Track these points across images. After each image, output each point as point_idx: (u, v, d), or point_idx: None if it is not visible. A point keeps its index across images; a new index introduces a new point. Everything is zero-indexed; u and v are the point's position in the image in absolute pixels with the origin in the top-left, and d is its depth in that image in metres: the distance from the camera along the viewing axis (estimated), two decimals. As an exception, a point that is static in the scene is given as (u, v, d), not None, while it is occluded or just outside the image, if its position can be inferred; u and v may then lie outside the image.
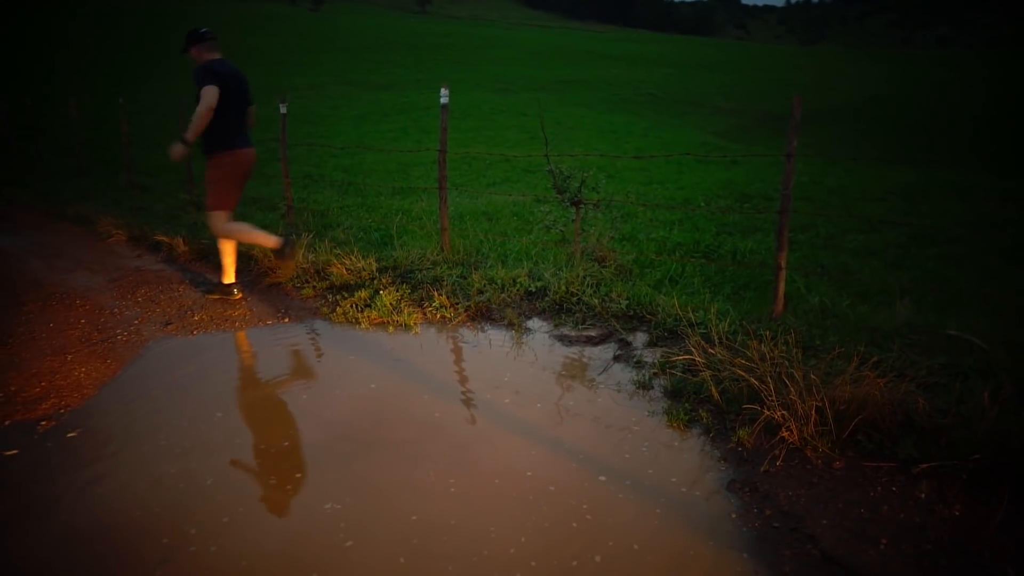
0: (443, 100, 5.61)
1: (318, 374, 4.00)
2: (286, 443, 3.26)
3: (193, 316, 4.94)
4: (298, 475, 3.01)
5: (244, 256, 5.92)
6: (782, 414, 2.96)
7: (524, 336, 4.32)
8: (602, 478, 2.87)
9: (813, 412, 2.91)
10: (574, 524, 2.61)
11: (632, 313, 4.30)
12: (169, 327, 4.76)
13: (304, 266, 5.57)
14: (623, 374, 3.73)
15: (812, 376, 2.96)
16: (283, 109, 6.90)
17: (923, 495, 2.59)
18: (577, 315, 4.42)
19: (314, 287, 5.32)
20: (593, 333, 4.20)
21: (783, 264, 4.05)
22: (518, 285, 4.82)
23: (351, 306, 4.82)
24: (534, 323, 4.49)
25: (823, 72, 29.49)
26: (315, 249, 5.90)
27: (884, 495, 2.61)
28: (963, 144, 14.03)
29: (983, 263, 5.70)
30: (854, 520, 2.52)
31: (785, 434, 2.93)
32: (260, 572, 2.45)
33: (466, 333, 4.45)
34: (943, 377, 3.24)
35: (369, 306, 4.77)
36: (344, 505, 2.78)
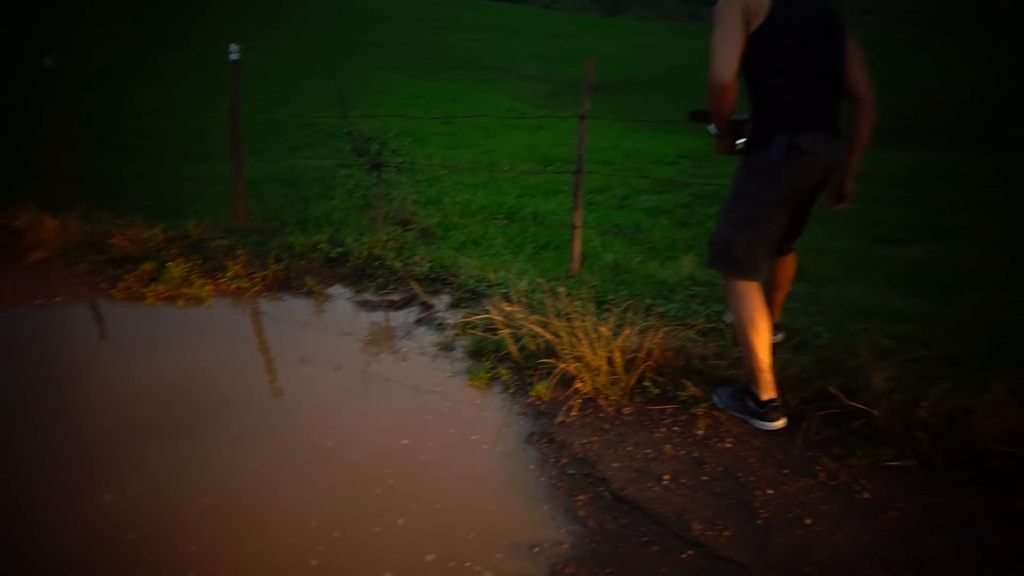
0: (233, 56, 5.27)
1: (98, 355, 3.66)
2: (60, 432, 2.96)
3: (-63, 299, 4.34)
4: (72, 466, 2.74)
5: (4, 229, 5.27)
6: (576, 366, 3.08)
7: (325, 303, 4.19)
8: (404, 441, 2.86)
9: (604, 363, 3.06)
10: (377, 491, 2.58)
11: (435, 276, 4.30)
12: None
13: (79, 238, 5.06)
14: (426, 337, 3.73)
15: (603, 329, 3.10)
16: (49, 61, 6.17)
17: (700, 432, 2.81)
18: (379, 280, 4.35)
19: (91, 261, 4.85)
20: (396, 297, 4.16)
21: (579, 223, 4.20)
22: (318, 251, 4.66)
23: (135, 280, 4.44)
24: (335, 290, 4.37)
25: (626, 42, 30.86)
26: (93, 220, 5.37)
27: (667, 435, 2.80)
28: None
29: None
30: (640, 461, 2.68)
31: (579, 385, 3.06)
32: (23, 576, 2.21)
33: (263, 303, 4.24)
34: (719, 323, 3.51)
35: (156, 279, 4.42)
36: (124, 494, 2.57)
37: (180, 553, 2.29)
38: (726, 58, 2.46)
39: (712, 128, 2.70)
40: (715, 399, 2.90)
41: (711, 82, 2.48)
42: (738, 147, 2.70)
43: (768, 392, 2.73)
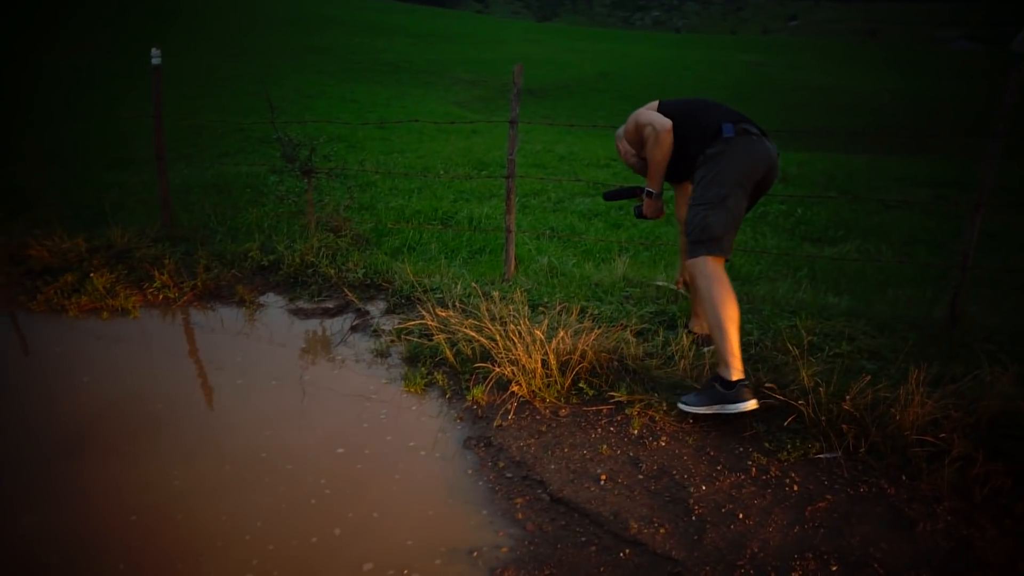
0: (155, 61, 5.13)
1: (15, 371, 3.50)
2: (-30, 454, 2.82)
3: None
4: (-14, 489, 2.61)
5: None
6: (511, 370, 3.09)
7: (257, 312, 4.11)
8: (340, 450, 2.82)
9: (539, 365, 3.07)
10: (313, 501, 2.54)
11: (369, 282, 4.25)
12: None
13: (-9, 251, 4.83)
14: (361, 344, 3.69)
15: (537, 332, 3.12)
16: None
17: (636, 432, 2.84)
18: (313, 287, 4.28)
19: (8, 273, 4.64)
20: (330, 305, 4.10)
21: (512, 227, 4.21)
22: (250, 259, 4.56)
23: (55, 292, 4.27)
24: (268, 298, 4.28)
25: (558, 47, 31.08)
26: (7, 231, 5.14)
27: (603, 436, 2.83)
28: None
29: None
30: (578, 462, 2.70)
31: (515, 388, 3.07)
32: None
33: (193, 313, 4.13)
34: (652, 324, 3.57)
35: (78, 291, 4.26)
36: (45, 515, 2.46)
37: (107, 571, 2.21)
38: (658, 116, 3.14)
39: (646, 192, 3.34)
40: (683, 408, 2.85)
41: (659, 133, 3.08)
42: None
43: (738, 372, 2.76)
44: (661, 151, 3.10)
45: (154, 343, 3.77)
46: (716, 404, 2.77)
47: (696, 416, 2.84)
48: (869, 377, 2.78)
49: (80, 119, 10.76)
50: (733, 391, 2.75)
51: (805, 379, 2.81)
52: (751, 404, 2.75)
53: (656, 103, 3.27)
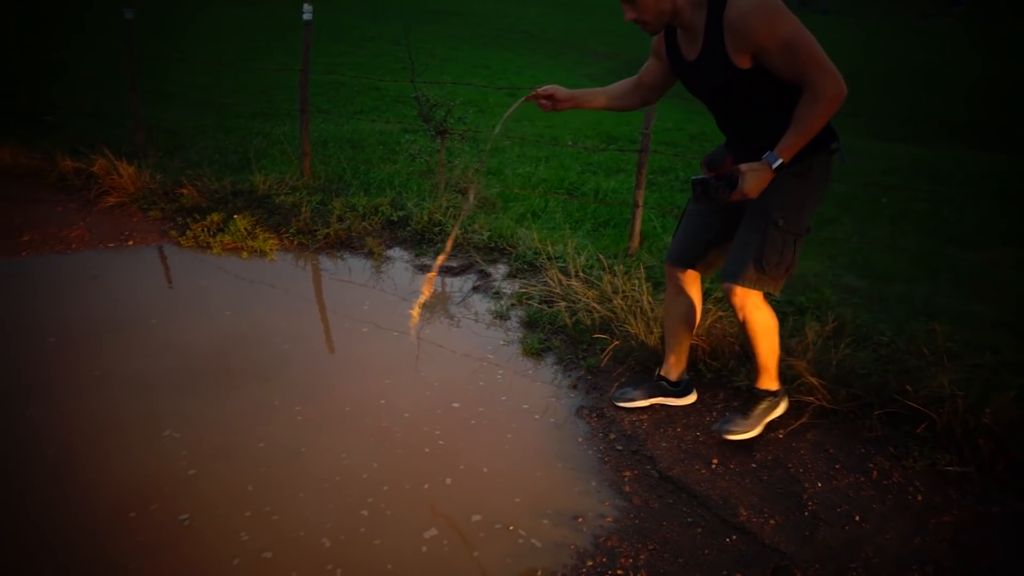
0: (306, 16, 5.32)
1: (166, 300, 3.78)
2: (127, 371, 3.08)
3: (22, 236, 4.52)
4: (137, 403, 2.85)
5: (81, 173, 5.45)
6: (630, 344, 3.07)
7: (384, 265, 4.25)
8: (456, 405, 2.90)
9: (658, 343, 3.04)
10: (427, 449, 2.63)
11: (493, 245, 4.32)
12: (-8, 245, 4.36)
13: (152, 186, 5.20)
14: (481, 304, 3.76)
15: (659, 309, 3.08)
16: (129, 14, 6.31)
17: (752, 420, 2.78)
18: (438, 245, 4.38)
19: (162, 209, 4.99)
20: (454, 264, 4.19)
21: (640, 202, 4.16)
22: (380, 214, 4.71)
23: (202, 230, 4.56)
24: (395, 252, 4.42)
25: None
26: (165, 169, 5.52)
27: (719, 420, 2.78)
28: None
29: (820, 211, 6.10)
30: (690, 442, 2.68)
31: (632, 362, 3.05)
32: (96, 503, 2.32)
33: (324, 260, 4.32)
34: (779, 312, 3.45)
35: (222, 230, 4.54)
36: (184, 433, 2.67)
37: (237, 492, 2.37)
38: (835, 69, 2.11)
39: (771, 159, 2.23)
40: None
41: (838, 93, 2.10)
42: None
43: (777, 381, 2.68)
44: (827, 116, 2.16)
45: (287, 285, 3.96)
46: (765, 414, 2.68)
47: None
48: (1014, 393, 2.60)
49: (232, 70, 11.34)
50: (780, 395, 2.72)
51: (941, 387, 2.65)
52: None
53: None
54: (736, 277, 2.41)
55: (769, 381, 2.65)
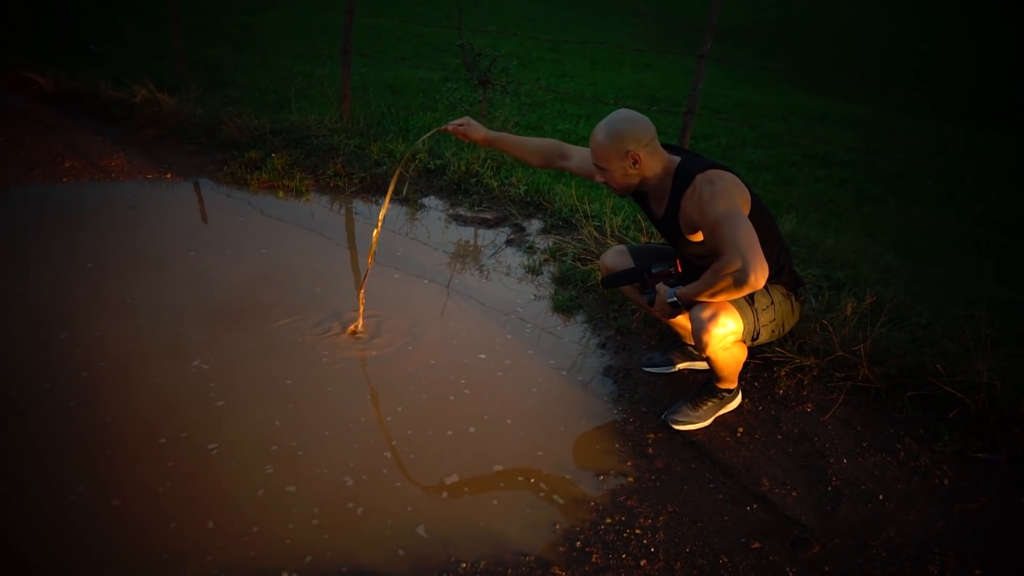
0: (354, -44, 5.24)
1: (202, 233, 3.81)
2: (160, 300, 3.12)
3: (63, 163, 4.57)
4: (168, 333, 2.89)
5: (122, 103, 5.47)
6: (662, 308, 3.03)
7: (418, 213, 4.23)
8: (482, 356, 2.90)
9: (691, 308, 3.00)
10: (451, 398, 2.64)
11: (529, 199, 4.27)
12: (35, 172, 4.40)
13: (192, 120, 5.21)
14: (514, 258, 3.74)
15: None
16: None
17: (781, 392, 2.75)
18: (474, 196, 4.35)
19: (201, 143, 5.01)
20: (489, 216, 4.16)
21: (682, 166, 4.08)
22: (417, 161, 4.68)
23: (240, 166, 4.58)
24: (430, 200, 4.40)
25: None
26: (205, 104, 5.52)
27: (746, 390, 2.75)
28: (859, 73, 14.45)
29: (865, 188, 5.97)
30: (715, 410, 2.65)
31: (662, 326, 3.02)
32: (127, 426, 2.37)
33: (359, 204, 4.31)
34: (814, 286, 3.40)
35: (259, 168, 4.55)
36: (212, 365, 2.71)
37: (264, 426, 2.41)
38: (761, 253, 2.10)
39: (670, 294, 2.36)
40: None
41: (757, 279, 2.06)
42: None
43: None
44: (727, 289, 2.15)
45: (322, 227, 3.96)
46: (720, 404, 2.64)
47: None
48: (1053, 384, 2.53)
49: (275, 8, 11.27)
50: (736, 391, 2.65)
51: (980, 373, 2.59)
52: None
53: (745, 194, 2.27)
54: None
55: (728, 385, 2.58)
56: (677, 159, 2.34)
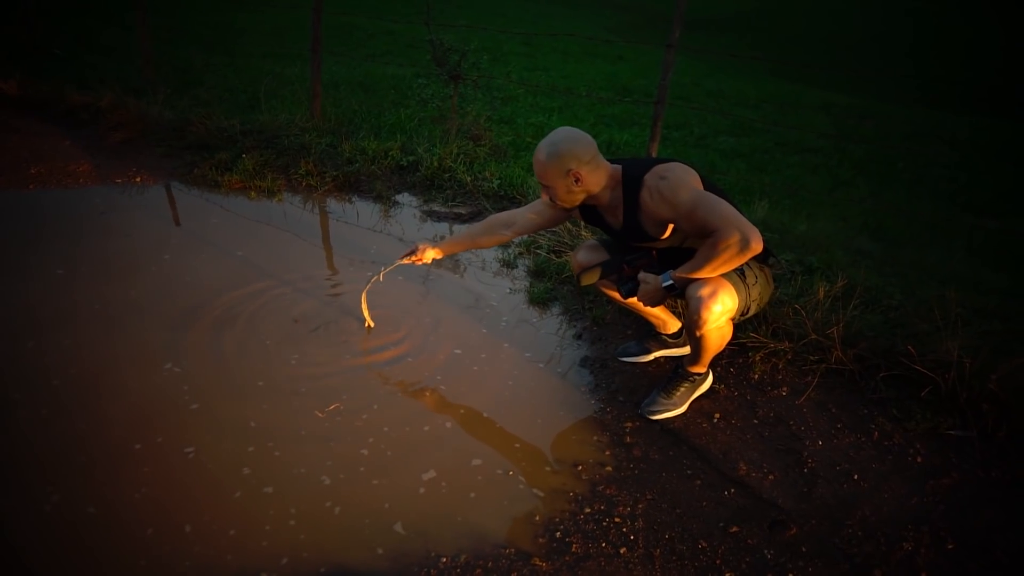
0: (319, -47, 5.20)
1: (173, 237, 3.76)
2: (132, 306, 3.09)
3: (29, 169, 4.50)
4: (140, 338, 2.86)
5: (89, 107, 5.39)
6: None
7: (392, 209, 4.22)
8: (458, 351, 2.90)
9: (666, 296, 3.01)
10: (428, 393, 2.64)
11: (503, 193, 4.27)
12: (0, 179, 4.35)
13: (160, 123, 5.15)
14: (488, 252, 3.73)
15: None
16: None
17: (756, 376, 2.77)
18: (448, 192, 4.34)
19: (170, 146, 4.96)
20: (463, 211, 4.16)
21: (655, 155, 4.10)
22: (390, 158, 4.66)
23: (211, 168, 4.54)
24: (404, 197, 4.38)
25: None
26: (174, 106, 5.46)
27: (722, 375, 2.78)
28: (830, 60, 14.56)
29: (836, 173, 6.03)
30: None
31: (637, 316, 3.03)
32: (102, 434, 2.35)
33: (332, 203, 4.29)
34: (788, 271, 3.43)
35: (230, 169, 4.50)
36: (185, 368, 2.68)
37: (240, 428, 2.39)
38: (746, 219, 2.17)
39: (664, 279, 2.35)
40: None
41: (757, 243, 2.12)
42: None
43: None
44: (730, 259, 2.19)
45: (295, 227, 3.94)
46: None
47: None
48: (1022, 360, 2.57)
49: (241, 8, 11.16)
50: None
51: (949, 351, 2.63)
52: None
53: (695, 177, 2.29)
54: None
55: (700, 368, 2.60)
56: (619, 167, 2.37)
